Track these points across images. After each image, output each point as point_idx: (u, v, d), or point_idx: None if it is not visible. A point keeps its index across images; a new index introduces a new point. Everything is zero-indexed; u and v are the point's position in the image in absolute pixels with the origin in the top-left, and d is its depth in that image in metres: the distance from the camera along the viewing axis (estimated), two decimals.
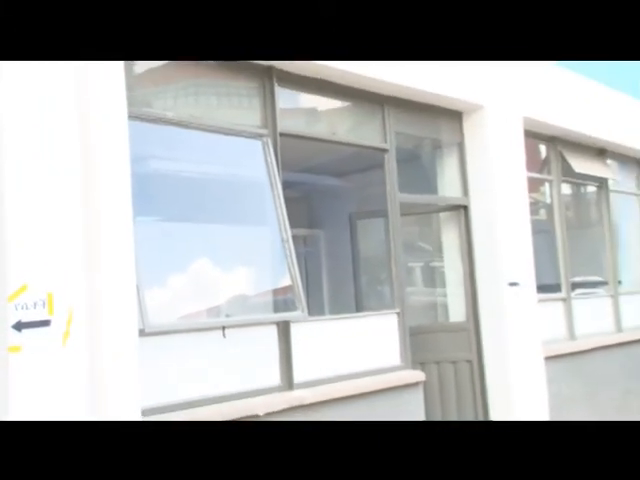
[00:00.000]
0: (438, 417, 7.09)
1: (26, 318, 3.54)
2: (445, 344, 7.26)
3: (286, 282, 5.34)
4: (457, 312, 7.50)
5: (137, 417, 4.02)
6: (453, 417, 7.19)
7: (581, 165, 9.44)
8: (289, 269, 5.32)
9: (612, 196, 10.39)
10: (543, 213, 9.16)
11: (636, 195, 11.17)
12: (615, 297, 10.04)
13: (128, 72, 4.39)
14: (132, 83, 4.53)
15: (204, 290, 5.12)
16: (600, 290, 10.08)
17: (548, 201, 9.16)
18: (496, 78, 7.47)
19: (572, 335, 8.81)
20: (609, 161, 10.46)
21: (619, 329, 9.87)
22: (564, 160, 9.24)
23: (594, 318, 9.37)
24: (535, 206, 8.74)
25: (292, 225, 5.40)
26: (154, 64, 4.97)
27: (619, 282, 10.29)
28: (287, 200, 5.38)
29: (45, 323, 3.61)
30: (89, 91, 4.08)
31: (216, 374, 4.86)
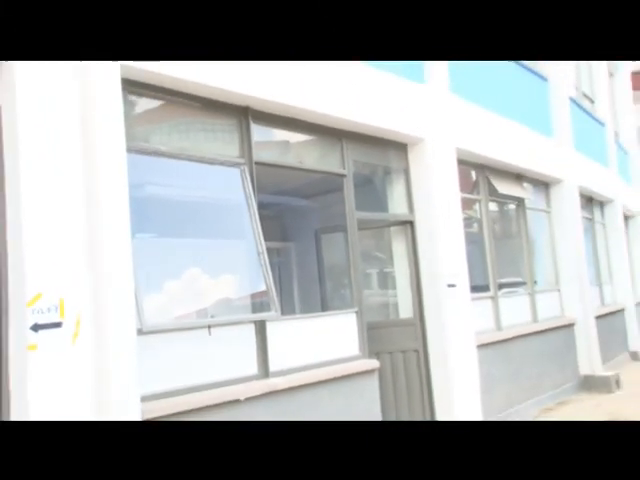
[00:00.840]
0: (391, 398, 7.10)
1: (41, 321, 3.55)
2: (396, 337, 7.28)
3: (262, 287, 5.34)
4: (406, 309, 7.52)
5: (137, 402, 4.02)
6: (403, 398, 7.21)
7: (503, 187, 9.63)
8: (264, 276, 5.32)
9: (528, 213, 10.66)
10: (474, 226, 9.27)
11: (546, 212, 11.45)
12: (532, 294, 10.28)
13: (128, 112, 4.38)
14: (131, 122, 4.53)
15: (193, 295, 5.09)
16: (520, 289, 10.27)
17: (478, 217, 9.30)
18: (434, 116, 7.54)
19: (499, 326, 8.95)
20: (525, 184, 10.69)
21: (535, 320, 10.12)
22: (490, 183, 9.40)
23: (516, 312, 9.57)
24: (468, 221, 8.82)
25: (267, 239, 5.40)
26: (150, 105, 4.94)
27: (535, 282, 10.56)
28: (262, 218, 5.38)
29: (57, 325, 3.63)
30: (95, 128, 4.07)
31: (203, 365, 4.84)
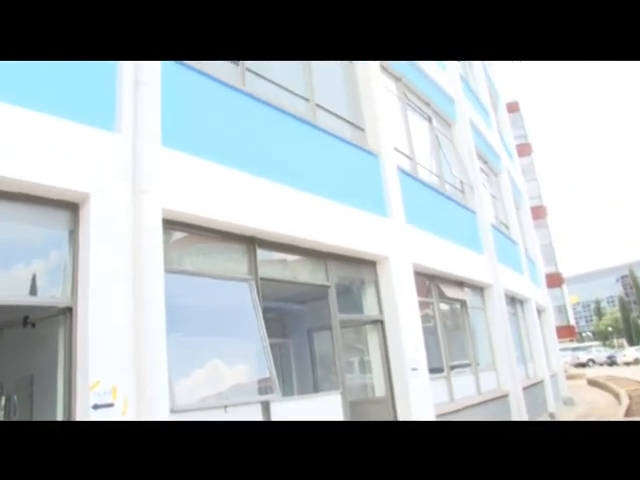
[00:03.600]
0: None
1: (99, 402, 3.56)
2: (373, 411, 6.95)
3: (267, 374, 5.13)
4: (380, 389, 7.23)
5: None
6: None
7: (450, 292, 9.63)
8: (268, 366, 5.13)
9: (469, 310, 10.57)
10: (430, 322, 9.12)
11: (482, 309, 11.33)
12: (476, 373, 10.08)
13: (165, 242, 4.35)
14: (167, 248, 4.46)
15: (213, 380, 4.86)
16: (467, 369, 10.01)
17: (432, 314, 9.18)
18: (395, 240, 7.60)
19: (452, 399, 8.70)
20: (466, 289, 10.66)
21: (479, 393, 9.86)
22: (440, 289, 9.35)
23: (464, 387, 9.32)
24: (425, 318, 8.70)
25: (270, 336, 5.26)
26: (181, 236, 4.92)
27: (478, 363, 10.34)
28: (266, 320, 5.27)
29: (110, 405, 3.60)
30: (142, 256, 4.08)
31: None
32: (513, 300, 14.12)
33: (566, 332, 32.42)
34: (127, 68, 4.41)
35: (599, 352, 48.59)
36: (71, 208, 3.93)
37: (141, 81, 4.43)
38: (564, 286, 33.86)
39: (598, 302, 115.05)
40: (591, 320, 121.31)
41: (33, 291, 3.76)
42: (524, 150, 31.32)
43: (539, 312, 17.28)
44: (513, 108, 31.20)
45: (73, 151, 3.85)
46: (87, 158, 3.93)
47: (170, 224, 4.58)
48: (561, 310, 32.52)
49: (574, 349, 48.69)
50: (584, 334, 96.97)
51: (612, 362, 43.06)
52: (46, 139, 3.72)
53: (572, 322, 35.06)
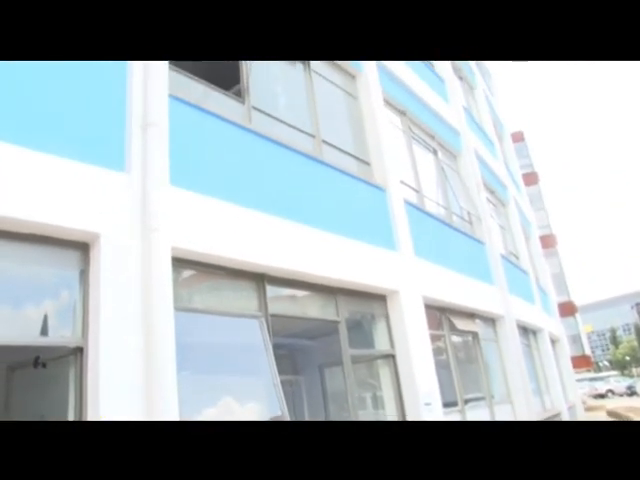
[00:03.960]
0: None
1: None
2: None
3: (278, 412, 5.04)
4: None
5: None
6: None
7: (461, 324, 9.51)
8: (279, 403, 5.05)
9: (482, 342, 10.42)
10: (443, 355, 8.98)
11: (494, 341, 11.18)
12: (491, 406, 9.87)
13: (174, 280, 4.35)
14: (177, 286, 4.46)
15: (224, 418, 4.77)
16: (482, 402, 9.81)
17: (444, 347, 9.03)
18: (405, 273, 7.56)
19: None
20: (477, 320, 10.53)
21: None
22: (451, 321, 9.24)
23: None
24: (437, 351, 8.58)
25: (280, 373, 5.19)
26: (190, 274, 4.93)
27: (492, 396, 10.16)
28: (276, 356, 5.22)
29: None
30: (152, 295, 4.08)
31: None
32: (526, 330, 13.92)
33: (582, 362, 31.83)
34: (136, 110, 4.50)
35: (618, 382, 47.54)
36: (82, 248, 3.96)
37: (149, 122, 4.52)
38: (577, 315, 33.42)
39: (613, 330, 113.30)
40: (607, 349, 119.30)
41: (44, 331, 3.76)
42: (531, 179, 31.38)
43: (553, 342, 17.01)
44: (518, 138, 31.43)
45: (83, 192, 3.91)
46: (97, 198, 3.98)
47: (180, 262, 4.59)
48: (575, 340, 32.01)
49: (591, 379, 47.68)
50: (601, 364, 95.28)
51: (632, 392, 42.02)
52: (57, 180, 3.78)
53: (588, 352, 34.44)
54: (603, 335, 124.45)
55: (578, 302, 35.05)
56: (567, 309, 30.60)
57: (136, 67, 4.66)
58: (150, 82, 4.67)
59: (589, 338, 45.31)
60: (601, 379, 49.72)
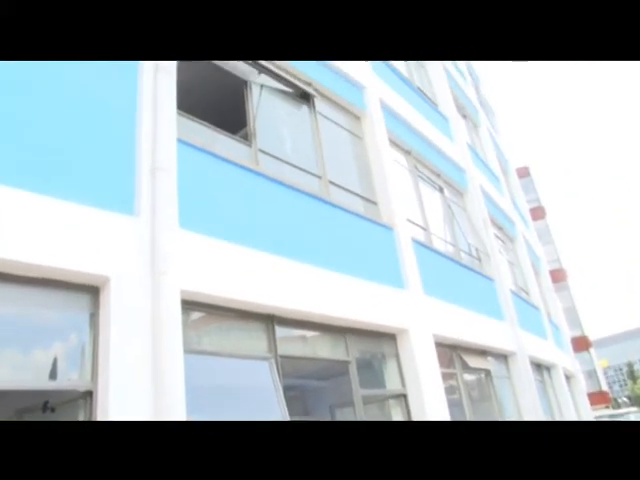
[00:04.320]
0: None
1: None
2: None
3: None
4: None
5: None
6: None
7: (472, 361, 9.37)
8: None
9: (494, 379, 10.21)
10: (455, 393, 8.81)
11: (507, 378, 10.96)
12: None
13: (183, 322, 4.35)
14: (185, 329, 4.45)
15: None
16: None
17: (456, 385, 8.88)
18: (414, 312, 7.51)
19: None
20: (489, 358, 10.36)
21: None
22: (462, 359, 9.10)
23: None
24: (449, 389, 8.43)
25: (291, 414, 5.10)
26: (199, 316, 4.92)
27: None
28: (287, 398, 5.14)
29: None
30: (161, 338, 4.06)
31: None
32: (539, 367, 13.67)
33: (599, 398, 31.12)
34: (145, 154, 4.59)
35: (638, 419, 46.26)
36: (92, 291, 3.99)
37: (158, 166, 4.60)
38: (592, 349, 32.85)
39: (630, 365, 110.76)
40: (625, 384, 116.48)
41: (53, 375, 3.75)
42: (538, 214, 31.41)
43: (567, 378, 16.64)
44: (523, 173, 31.62)
45: (93, 235, 3.96)
46: (107, 242, 4.03)
47: (189, 304, 4.60)
48: (591, 375, 31.38)
49: (611, 416, 46.43)
50: (620, 400, 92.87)
51: None
52: (67, 224, 3.84)
53: (604, 387, 33.70)
54: (620, 370, 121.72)
55: (592, 336, 34.53)
56: (581, 344, 30.11)
57: (145, 112, 4.77)
58: (159, 127, 4.78)
59: (605, 373, 44.35)
60: (621, 416, 48.35)
